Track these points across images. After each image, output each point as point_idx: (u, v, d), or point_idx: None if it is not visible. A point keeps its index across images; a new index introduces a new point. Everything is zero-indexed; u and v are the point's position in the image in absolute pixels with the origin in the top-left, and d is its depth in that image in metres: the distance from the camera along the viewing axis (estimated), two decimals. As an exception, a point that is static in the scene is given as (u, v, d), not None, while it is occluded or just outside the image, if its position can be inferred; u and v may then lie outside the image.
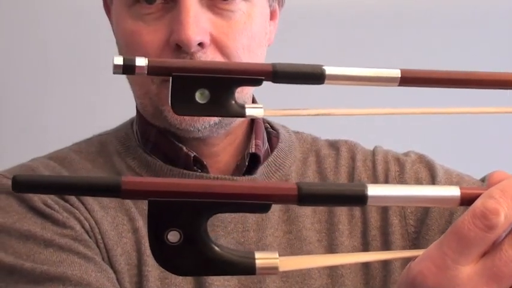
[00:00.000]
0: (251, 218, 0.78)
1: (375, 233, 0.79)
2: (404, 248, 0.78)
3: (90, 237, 0.73)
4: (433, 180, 0.81)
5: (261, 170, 0.81)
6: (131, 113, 0.84)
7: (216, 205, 0.38)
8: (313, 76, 0.44)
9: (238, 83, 0.44)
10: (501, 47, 1.61)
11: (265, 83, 0.79)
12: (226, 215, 0.77)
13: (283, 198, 0.38)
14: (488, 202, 0.38)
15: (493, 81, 0.47)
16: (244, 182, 0.37)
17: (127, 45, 0.75)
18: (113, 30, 0.80)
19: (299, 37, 1.47)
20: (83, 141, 0.85)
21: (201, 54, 0.71)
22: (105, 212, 0.75)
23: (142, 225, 0.75)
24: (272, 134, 0.87)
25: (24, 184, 0.36)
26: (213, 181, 0.38)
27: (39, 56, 1.43)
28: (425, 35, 1.57)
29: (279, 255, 0.77)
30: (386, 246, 0.79)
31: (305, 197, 0.38)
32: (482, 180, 0.82)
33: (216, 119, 0.74)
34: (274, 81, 0.45)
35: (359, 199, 0.39)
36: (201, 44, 0.71)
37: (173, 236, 0.38)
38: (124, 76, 0.78)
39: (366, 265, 0.78)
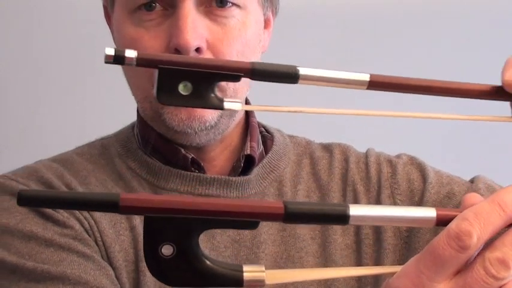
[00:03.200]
0: None
1: (368, 231, 0.81)
2: (396, 246, 0.80)
3: (89, 235, 0.75)
4: (424, 182, 0.83)
5: (256, 171, 0.83)
6: (132, 116, 0.86)
7: (207, 221, 0.40)
8: (288, 75, 0.48)
9: (219, 77, 0.47)
10: (503, 47, 1.62)
11: (252, 86, 0.80)
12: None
13: (269, 217, 0.40)
14: (462, 224, 0.41)
15: (456, 90, 0.50)
16: (232, 200, 0.39)
17: None
18: (113, 37, 0.82)
19: (297, 38, 1.48)
20: (86, 144, 0.87)
21: None
22: None
23: (139, 222, 0.77)
24: (267, 137, 0.89)
25: (29, 199, 0.39)
26: (203, 199, 0.40)
27: (39, 57, 1.44)
28: (425, 36, 1.58)
29: (273, 253, 0.79)
30: (378, 244, 0.81)
31: (290, 216, 0.40)
32: (471, 181, 0.83)
33: (212, 121, 0.76)
34: (252, 78, 0.48)
35: (341, 218, 0.41)
36: (198, 49, 0.73)
37: (167, 250, 0.40)
38: (125, 80, 0.81)
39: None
